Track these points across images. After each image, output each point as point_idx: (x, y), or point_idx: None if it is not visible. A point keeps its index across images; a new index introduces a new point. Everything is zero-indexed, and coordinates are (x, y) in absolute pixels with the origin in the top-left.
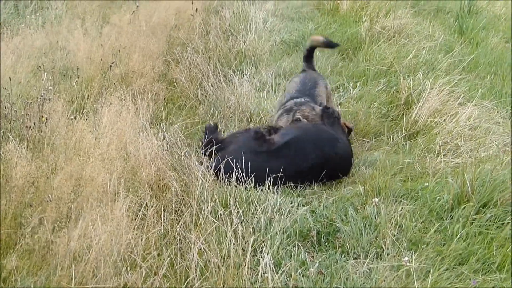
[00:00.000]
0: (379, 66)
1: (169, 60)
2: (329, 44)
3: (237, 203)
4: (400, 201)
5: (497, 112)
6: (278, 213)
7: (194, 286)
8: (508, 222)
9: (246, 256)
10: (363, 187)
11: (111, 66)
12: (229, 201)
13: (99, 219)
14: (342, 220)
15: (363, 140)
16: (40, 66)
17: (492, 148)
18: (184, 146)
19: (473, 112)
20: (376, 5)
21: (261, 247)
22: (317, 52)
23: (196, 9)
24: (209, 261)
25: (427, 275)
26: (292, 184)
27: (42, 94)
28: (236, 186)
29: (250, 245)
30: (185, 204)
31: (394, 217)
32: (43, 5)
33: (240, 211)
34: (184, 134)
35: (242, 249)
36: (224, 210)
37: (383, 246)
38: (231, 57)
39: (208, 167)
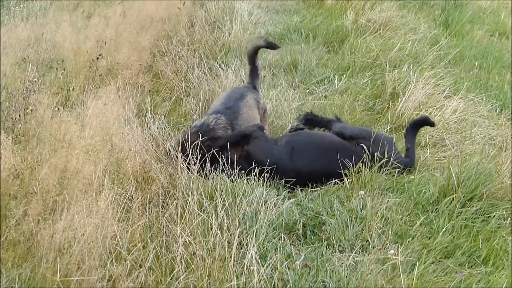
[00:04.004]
0: (365, 59)
1: (154, 52)
2: (271, 44)
3: (223, 196)
4: (386, 194)
5: (483, 105)
6: (263, 205)
7: (179, 279)
8: (494, 216)
9: (231, 249)
10: (348, 180)
11: (97, 58)
12: (215, 193)
13: (84, 211)
14: (327, 213)
15: None
16: (25, 58)
17: (477, 141)
18: (170, 138)
19: (458, 105)
20: None
21: (247, 240)
22: (301, 45)
23: (184, 2)
24: (195, 253)
25: (413, 268)
26: None
27: (27, 86)
28: (221, 179)
29: (236, 238)
30: (171, 196)
31: (380, 210)
32: None
33: (226, 203)
34: (170, 126)
35: (228, 241)
36: (210, 202)
37: (369, 239)
38: (216, 50)
39: None
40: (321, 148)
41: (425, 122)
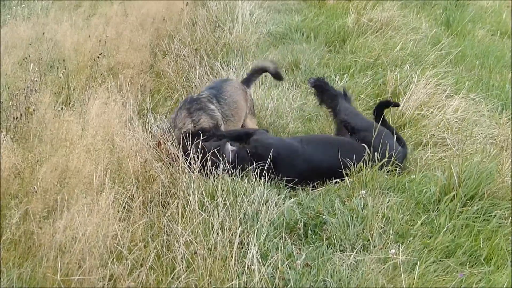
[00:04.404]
0: (366, 59)
1: (156, 52)
2: (278, 75)
3: (224, 195)
4: (387, 193)
5: (484, 104)
6: (264, 205)
7: (180, 278)
8: (495, 215)
9: (232, 248)
10: (349, 179)
11: (98, 57)
12: (216, 193)
13: (85, 210)
14: (329, 212)
15: None
16: (26, 57)
17: (478, 140)
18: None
19: (460, 104)
20: None
21: (248, 239)
22: (303, 44)
23: (187, 3)
24: (196, 253)
25: (414, 268)
26: None
27: (29, 85)
28: (222, 178)
29: (237, 237)
30: (172, 195)
31: (381, 209)
32: None
33: (227, 203)
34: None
35: (229, 241)
36: (211, 202)
37: (370, 238)
38: (218, 49)
39: None
40: (328, 141)
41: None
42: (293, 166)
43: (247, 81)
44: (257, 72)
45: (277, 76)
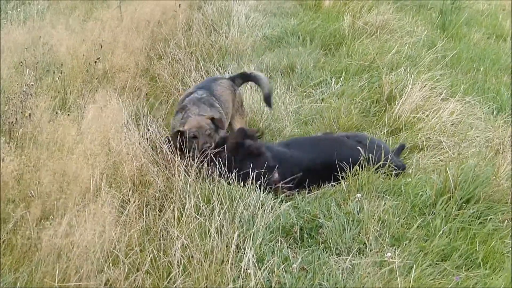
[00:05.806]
0: (362, 62)
1: (151, 56)
2: (267, 99)
3: (220, 199)
4: (383, 196)
5: (480, 107)
6: (260, 208)
7: (176, 282)
8: (491, 218)
9: (229, 252)
10: (345, 182)
11: (95, 62)
12: (212, 196)
13: (82, 215)
14: (324, 216)
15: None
16: (22, 62)
17: (474, 143)
18: (166, 141)
19: (455, 107)
20: (359, 1)
21: (244, 243)
22: (299, 48)
23: (180, 5)
24: (192, 257)
25: (410, 271)
26: None
27: (25, 90)
28: (219, 182)
29: (233, 241)
30: (168, 199)
31: (376, 212)
32: (25, 0)
33: (224, 207)
34: (167, 129)
35: (225, 245)
36: (207, 206)
37: (366, 242)
38: (214, 53)
39: None
40: (314, 140)
41: None
42: (288, 174)
43: (234, 80)
44: (246, 78)
45: (266, 101)
